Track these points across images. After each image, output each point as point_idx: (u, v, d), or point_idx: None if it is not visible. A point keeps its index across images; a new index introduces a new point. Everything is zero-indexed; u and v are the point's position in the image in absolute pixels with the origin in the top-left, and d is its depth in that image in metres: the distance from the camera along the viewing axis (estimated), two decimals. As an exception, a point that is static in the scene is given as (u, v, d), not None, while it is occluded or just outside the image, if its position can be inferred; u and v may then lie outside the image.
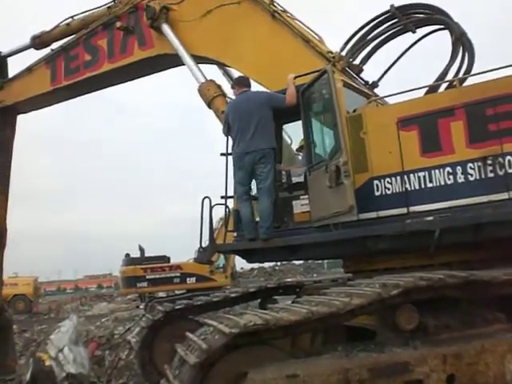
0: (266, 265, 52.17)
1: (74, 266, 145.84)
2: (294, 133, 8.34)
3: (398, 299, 4.60)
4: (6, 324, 12.16)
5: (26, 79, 11.41)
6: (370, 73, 7.94)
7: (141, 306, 26.11)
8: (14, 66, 12.17)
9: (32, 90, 11.24)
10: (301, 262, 53.93)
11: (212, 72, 9.34)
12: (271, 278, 44.28)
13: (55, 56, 10.86)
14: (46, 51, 11.19)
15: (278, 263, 53.64)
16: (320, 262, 55.99)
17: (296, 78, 6.96)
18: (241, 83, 7.55)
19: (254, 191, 7.32)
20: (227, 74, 10.12)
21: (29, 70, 11.32)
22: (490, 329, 4.96)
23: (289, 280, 12.90)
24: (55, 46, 10.99)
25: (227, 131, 7.51)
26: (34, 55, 11.44)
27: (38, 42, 11.14)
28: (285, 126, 8.22)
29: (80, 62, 10.44)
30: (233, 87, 7.75)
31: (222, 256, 23.14)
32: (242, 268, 42.57)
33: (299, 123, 7.15)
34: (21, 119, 12.21)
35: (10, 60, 12.17)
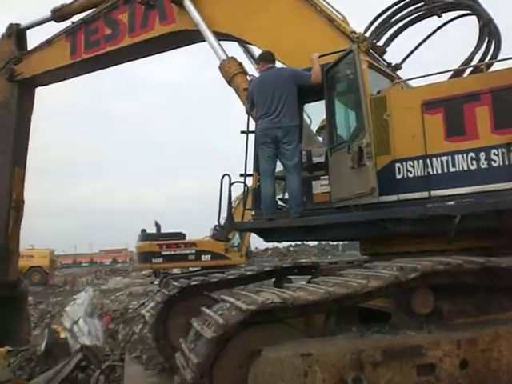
0: (281, 245, 52.57)
1: (90, 240, 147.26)
2: (313, 113, 8.28)
3: (415, 283, 4.59)
4: (22, 295, 12.36)
5: (46, 52, 11.45)
6: (391, 55, 7.87)
7: (155, 282, 26.35)
8: (33, 39, 12.23)
9: (51, 63, 11.27)
10: (315, 243, 54.20)
11: (233, 50, 9.29)
12: (285, 258, 44.37)
13: (75, 29, 10.86)
14: (65, 24, 11.20)
15: (293, 244, 53.90)
16: (335, 243, 56.28)
17: (321, 57, 6.90)
18: (266, 59, 7.46)
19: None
20: (248, 52, 10.05)
21: (48, 42, 11.35)
22: (506, 316, 4.95)
23: (304, 260, 12.88)
24: (75, 19, 11.00)
25: (250, 108, 7.48)
26: (53, 29, 11.47)
27: (59, 14, 11.13)
28: (305, 106, 8.17)
29: (100, 36, 10.44)
30: (257, 63, 7.70)
31: (237, 235, 23.22)
32: (256, 247, 42.75)
33: (319, 104, 7.12)
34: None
35: (28, 33, 12.24)
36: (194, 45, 9.88)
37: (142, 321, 12.99)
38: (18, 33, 12.00)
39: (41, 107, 12.28)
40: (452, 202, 5.65)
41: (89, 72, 11.66)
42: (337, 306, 4.70)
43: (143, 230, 26.93)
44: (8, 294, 11.54)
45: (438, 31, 7.79)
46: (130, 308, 17.28)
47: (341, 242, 48.41)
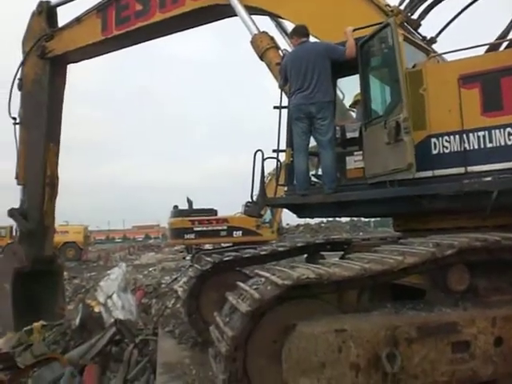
0: (312, 221, 52.44)
1: (123, 217, 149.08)
2: (346, 88, 8.19)
3: (451, 259, 4.56)
4: (58, 270, 12.59)
5: (77, 29, 11.46)
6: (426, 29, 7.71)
7: (187, 257, 26.66)
8: (63, 17, 12.28)
9: (82, 40, 11.30)
10: (347, 219, 54.15)
11: (265, 24, 9.20)
12: (317, 234, 44.45)
13: (106, 5, 10.84)
14: (95, 1, 11.18)
15: (324, 220, 53.84)
16: (367, 220, 55.97)
17: (355, 30, 6.80)
18: (299, 33, 7.36)
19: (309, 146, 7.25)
20: (280, 27, 9.94)
21: (79, 19, 11.35)
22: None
23: (336, 236, 12.86)
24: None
25: (283, 83, 7.44)
26: (80, 8, 11.49)
27: None
28: (338, 81, 8.08)
29: (131, 12, 10.40)
30: (291, 37, 7.63)
31: (268, 211, 23.27)
32: (287, 224, 42.79)
33: (352, 78, 7.03)
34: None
35: (59, 9, 12.30)
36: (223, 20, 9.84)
37: (174, 296, 13.17)
38: (48, 10, 12.04)
39: (74, 86, 12.39)
40: (489, 178, 5.56)
41: (120, 48, 11.65)
42: (371, 283, 4.70)
43: (175, 207, 27.11)
44: (44, 269, 11.78)
45: (474, 4, 7.60)
46: (163, 283, 17.53)
47: (373, 219, 48.16)
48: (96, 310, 11.29)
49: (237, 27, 8.77)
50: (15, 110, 12.19)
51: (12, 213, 11.92)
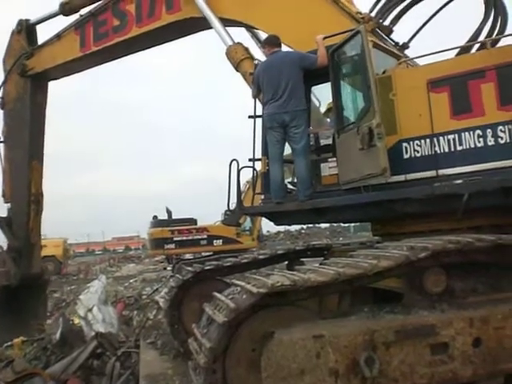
0: (292, 228, 52.54)
1: (102, 228, 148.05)
2: (321, 95, 8.26)
3: (426, 262, 4.59)
4: (42, 286, 12.55)
5: (56, 46, 11.57)
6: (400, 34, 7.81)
7: (168, 268, 26.55)
8: (43, 34, 12.32)
9: (62, 56, 11.41)
10: (327, 225, 54.21)
11: (240, 35, 9.28)
12: (297, 241, 44.48)
13: (84, 22, 10.97)
14: (74, 18, 11.27)
15: (304, 226, 53.84)
16: (346, 225, 56.26)
17: (325, 38, 6.87)
18: (271, 43, 7.42)
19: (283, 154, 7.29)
20: (255, 37, 10.05)
21: (58, 36, 11.49)
22: (519, 293, 4.94)
23: (317, 243, 12.90)
24: (84, 12, 11.05)
25: (257, 93, 7.48)
26: (62, 23, 11.53)
27: (67, 8, 11.22)
28: (313, 89, 8.14)
29: (109, 27, 10.53)
30: (263, 47, 7.69)
31: (248, 219, 23.28)
32: (268, 231, 42.88)
33: (327, 85, 7.07)
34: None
35: (38, 27, 12.33)
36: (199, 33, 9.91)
37: (155, 307, 13.08)
38: (27, 28, 12.17)
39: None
40: (459, 181, 5.61)
41: (99, 64, 11.75)
42: (348, 287, 4.71)
43: (155, 217, 27.08)
44: (30, 284, 11.77)
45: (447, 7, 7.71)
46: (144, 294, 17.43)
47: (352, 224, 48.43)
48: (76, 323, 11.22)
49: (211, 37, 8.85)
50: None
51: None
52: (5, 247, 12.26)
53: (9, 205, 12.23)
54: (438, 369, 4.37)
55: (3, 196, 12.19)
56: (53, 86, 12.54)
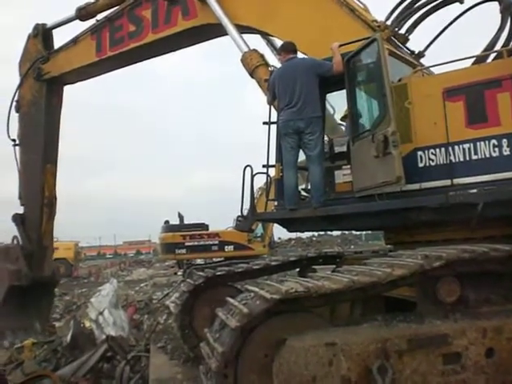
0: (304, 235, 52.55)
1: (114, 232, 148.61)
2: (336, 102, 8.27)
3: (440, 271, 4.58)
4: (51, 286, 12.62)
5: (72, 50, 11.68)
6: (417, 42, 7.80)
7: (179, 273, 26.53)
8: (58, 38, 12.44)
9: (77, 61, 11.53)
10: (338, 233, 54.07)
11: (255, 42, 9.33)
12: (308, 248, 44.37)
13: (100, 27, 11.07)
14: (90, 23, 11.39)
15: (315, 234, 53.88)
16: (358, 233, 56.05)
17: (341, 46, 6.87)
18: (287, 49, 7.43)
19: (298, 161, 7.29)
20: (271, 44, 10.10)
21: (74, 41, 11.59)
22: (532, 304, 4.90)
23: (329, 250, 12.87)
24: (100, 17, 11.16)
25: (272, 99, 7.49)
26: (77, 28, 11.64)
27: (83, 13, 11.34)
28: (327, 96, 8.15)
29: (125, 33, 10.61)
30: (279, 53, 7.72)
31: (260, 225, 23.24)
32: (279, 238, 42.85)
33: (342, 93, 7.06)
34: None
35: (54, 32, 12.45)
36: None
37: (166, 311, 13.10)
38: (44, 32, 12.30)
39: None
40: (474, 190, 5.60)
41: (114, 69, 11.85)
42: (361, 295, 4.71)
43: (166, 222, 27.03)
44: (40, 287, 11.86)
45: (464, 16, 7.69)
46: (154, 298, 17.49)
47: (364, 232, 48.27)
48: (87, 326, 11.26)
49: (220, 44, 8.92)
50: (14, 131, 12.33)
51: (15, 218, 12.03)
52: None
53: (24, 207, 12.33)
54: (451, 378, 4.34)
55: (19, 198, 12.29)
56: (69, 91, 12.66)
